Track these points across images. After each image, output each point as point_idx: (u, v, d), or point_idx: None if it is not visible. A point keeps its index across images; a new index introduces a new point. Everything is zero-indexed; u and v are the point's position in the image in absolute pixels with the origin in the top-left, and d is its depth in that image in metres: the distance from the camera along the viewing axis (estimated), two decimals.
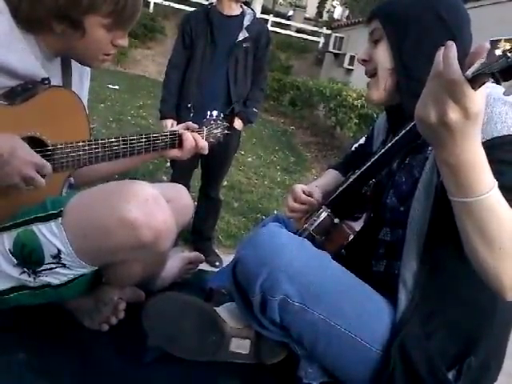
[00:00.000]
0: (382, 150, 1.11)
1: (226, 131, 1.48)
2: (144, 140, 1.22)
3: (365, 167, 1.13)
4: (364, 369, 1.00)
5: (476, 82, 0.67)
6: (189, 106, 2.73)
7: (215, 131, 1.43)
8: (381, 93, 1.10)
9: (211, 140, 1.40)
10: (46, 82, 1.10)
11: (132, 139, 1.20)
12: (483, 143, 0.76)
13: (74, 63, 1.24)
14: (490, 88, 0.82)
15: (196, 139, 1.30)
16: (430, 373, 0.95)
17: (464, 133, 0.71)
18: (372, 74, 1.12)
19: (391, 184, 1.11)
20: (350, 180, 1.16)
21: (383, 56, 1.08)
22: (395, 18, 1.07)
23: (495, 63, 0.62)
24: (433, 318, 0.98)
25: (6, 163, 0.94)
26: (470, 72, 0.67)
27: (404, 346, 0.96)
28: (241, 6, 2.76)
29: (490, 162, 0.76)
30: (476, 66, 0.66)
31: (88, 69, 1.32)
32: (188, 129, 1.34)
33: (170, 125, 2.71)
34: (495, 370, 1.05)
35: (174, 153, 1.32)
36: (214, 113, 1.43)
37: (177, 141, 1.29)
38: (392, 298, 1.02)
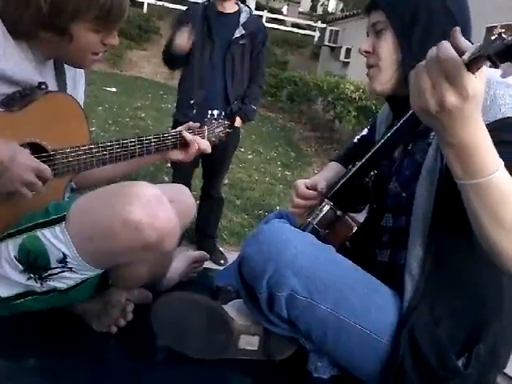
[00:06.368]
0: (382, 140, 1.10)
1: (228, 130, 1.49)
2: (144, 142, 1.23)
3: (365, 158, 1.13)
4: (373, 360, 1.00)
5: (473, 65, 0.66)
6: (191, 102, 2.70)
7: (217, 130, 1.43)
8: (385, 84, 1.08)
9: (213, 139, 1.42)
10: (43, 86, 1.10)
11: (132, 141, 1.20)
12: (487, 125, 0.76)
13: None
14: (491, 72, 0.82)
15: (198, 142, 1.32)
16: (439, 361, 0.95)
17: (464, 115, 0.71)
18: (373, 64, 1.09)
19: (394, 170, 1.11)
20: (351, 172, 1.16)
21: (388, 48, 1.05)
22: (400, 8, 1.04)
23: (491, 46, 0.62)
24: (440, 305, 0.98)
25: (6, 169, 0.94)
26: (466, 56, 0.67)
27: (412, 336, 0.96)
28: (236, 4, 2.76)
29: (496, 143, 0.76)
30: (472, 50, 0.66)
31: (81, 69, 1.32)
32: (190, 129, 1.34)
33: None
34: (504, 357, 1.05)
35: (177, 155, 1.32)
36: (215, 112, 1.44)
37: (180, 142, 1.30)
38: (397, 287, 1.02)
